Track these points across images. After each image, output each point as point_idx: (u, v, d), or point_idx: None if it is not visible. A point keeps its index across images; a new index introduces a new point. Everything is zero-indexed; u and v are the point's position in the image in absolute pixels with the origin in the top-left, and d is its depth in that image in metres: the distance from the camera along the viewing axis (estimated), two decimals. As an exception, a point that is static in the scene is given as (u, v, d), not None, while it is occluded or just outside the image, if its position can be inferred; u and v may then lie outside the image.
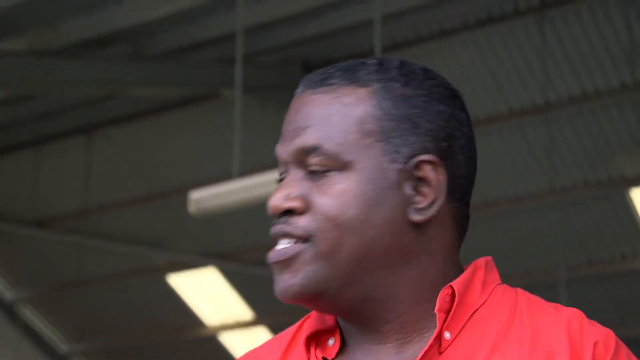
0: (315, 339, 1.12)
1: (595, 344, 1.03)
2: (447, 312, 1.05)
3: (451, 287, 1.06)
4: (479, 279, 1.09)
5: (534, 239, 8.58)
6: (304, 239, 1.05)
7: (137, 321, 10.32)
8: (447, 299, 1.05)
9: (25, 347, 10.24)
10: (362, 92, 1.07)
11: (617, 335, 1.08)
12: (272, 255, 1.07)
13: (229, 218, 8.02)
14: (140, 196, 8.82)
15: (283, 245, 1.07)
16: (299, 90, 1.12)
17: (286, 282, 1.06)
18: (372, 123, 1.06)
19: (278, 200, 1.06)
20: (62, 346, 10.75)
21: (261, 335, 10.21)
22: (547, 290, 8.88)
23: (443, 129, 1.08)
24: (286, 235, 1.06)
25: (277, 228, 1.07)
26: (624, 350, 1.06)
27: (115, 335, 10.63)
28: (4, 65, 6.98)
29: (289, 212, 1.06)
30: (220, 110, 7.66)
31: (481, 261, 1.11)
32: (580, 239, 8.43)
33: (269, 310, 9.80)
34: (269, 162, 7.02)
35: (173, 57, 7.31)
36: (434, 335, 1.03)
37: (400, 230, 1.05)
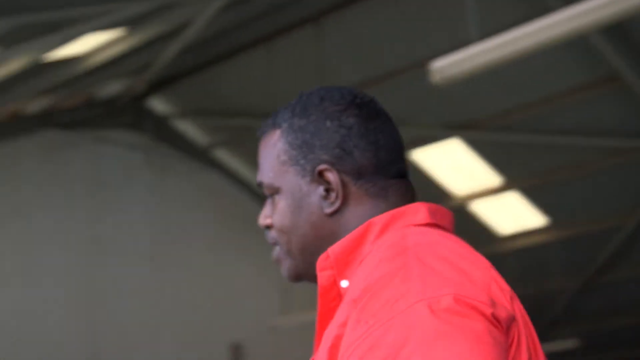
0: None
1: (363, 289, 1.29)
2: (333, 269, 1.43)
3: (327, 251, 1.44)
4: (372, 232, 1.43)
5: None
6: (276, 243, 1.55)
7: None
8: (326, 259, 1.43)
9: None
10: (277, 133, 1.54)
11: None
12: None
13: (468, 87, 7.86)
14: (376, 76, 8.79)
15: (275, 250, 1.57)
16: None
17: (282, 273, 1.57)
18: (284, 155, 1.51)
19: (261, 219, 1.57)
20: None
21: (512, 199, 10.09)
22: None
23: (333, 139, 1.48)
24: (271, 243, 1.57)
25: (267, 237, 1.57)
26: (386, 296, 1.25)
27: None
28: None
29: (268, 226, 1.56)
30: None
31: (383, 216, 1.43)
32: None
33: (520, 174, 9.64)
34: (505, 22, 6.76)
35: None
36: (321, 287, 1.44)
37: (321, 222, 1.49)
